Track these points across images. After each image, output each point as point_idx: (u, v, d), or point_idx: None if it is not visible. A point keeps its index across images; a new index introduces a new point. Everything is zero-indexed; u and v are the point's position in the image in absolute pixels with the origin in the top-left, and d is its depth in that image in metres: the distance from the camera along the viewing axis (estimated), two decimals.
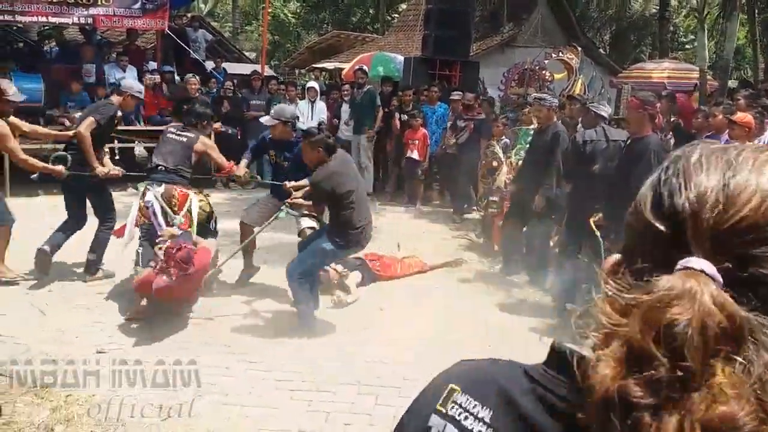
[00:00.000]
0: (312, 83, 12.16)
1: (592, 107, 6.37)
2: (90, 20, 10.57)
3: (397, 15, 27.97)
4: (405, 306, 5.99)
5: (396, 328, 5.38)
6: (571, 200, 6.11)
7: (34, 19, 10.34)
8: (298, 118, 6.26)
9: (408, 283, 6.71)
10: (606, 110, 6.28)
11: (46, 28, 13.12)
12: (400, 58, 14.23)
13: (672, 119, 8.09)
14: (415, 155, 9.90)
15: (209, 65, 12.65)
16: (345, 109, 11.06)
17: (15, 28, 12.67)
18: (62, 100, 10.14)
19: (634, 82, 14.65)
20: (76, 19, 10.54)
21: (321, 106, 11.20)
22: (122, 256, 5.88)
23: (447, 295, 6.38)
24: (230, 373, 4.41)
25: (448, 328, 5.45)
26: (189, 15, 14.12)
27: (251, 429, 3.74)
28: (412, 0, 22.13)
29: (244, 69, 14.21)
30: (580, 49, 12.49)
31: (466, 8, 11.79)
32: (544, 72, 11.03)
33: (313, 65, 21.26)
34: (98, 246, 6.09)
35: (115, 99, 6.28)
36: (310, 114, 11.06)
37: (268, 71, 14.24)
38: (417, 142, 9.87)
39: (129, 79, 8.62)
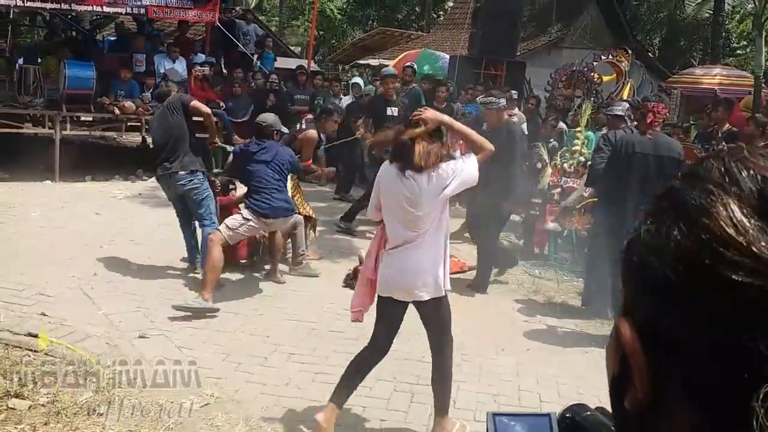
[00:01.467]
0: (356, 79, 12.18)
1: (606, 113, 6.26)
2: (143, 11, 10.75)
3: (442, 13, 27.85)
4: None
5: None
6: (603, 204, 5.95)
7: (89, 8, 10.56)
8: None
9: None
10: (621, 109, 6.09)
11: (99, 17, 13.37)
12: (446, 56, 14.14)
13: (727, 128, 7.83)
14: (457, 154, 9.81)
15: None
16: None
17: (69, 17, 12.97)
18: (113, 88, 10.34)
19: (683, 87, 14.33)
20: (129, 9, 10.73)
21: None
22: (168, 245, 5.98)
23: (484, 296, 6.34)
24: (269, 363, 4.45)
25: (485, 329, 5.42)
26: (238, 8, 14.23)
27: (287, 419, 3.77)
28: None
29: (290, 63, 14.29)
30: (630, 51, 12.23)
31: (516, 7, 11.68)
32: (592, 74, 10.83)
33: (357, 61, 21.29)
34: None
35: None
36: None
37: (313, 66, 14.31)
38: (461, 141, 9.76)
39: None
